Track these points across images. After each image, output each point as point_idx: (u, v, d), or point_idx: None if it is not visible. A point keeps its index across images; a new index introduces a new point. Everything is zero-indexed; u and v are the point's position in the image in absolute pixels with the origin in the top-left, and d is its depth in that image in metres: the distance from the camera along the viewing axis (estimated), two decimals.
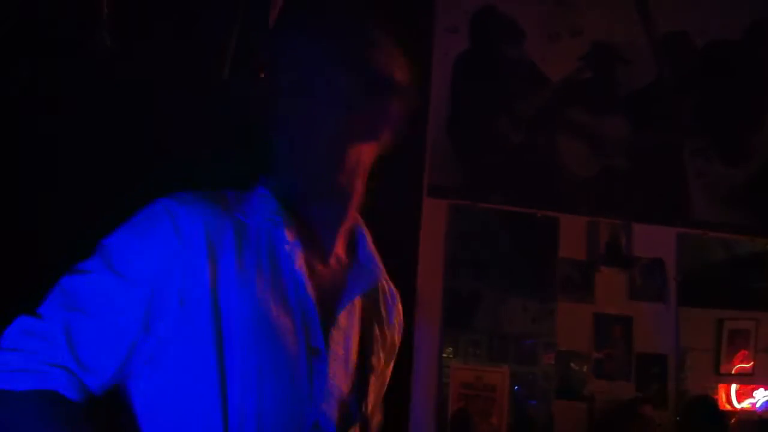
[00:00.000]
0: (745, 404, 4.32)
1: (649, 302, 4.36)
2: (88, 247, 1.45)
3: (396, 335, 1.71)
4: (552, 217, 4.27)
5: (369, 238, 1.65)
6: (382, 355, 1.65)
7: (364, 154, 1.56)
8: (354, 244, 1.63)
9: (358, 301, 1.61)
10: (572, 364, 4.22)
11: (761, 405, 4.32)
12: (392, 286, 1.72)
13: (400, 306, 1.72)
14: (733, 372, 4.38)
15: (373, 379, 1.60)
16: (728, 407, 4.30)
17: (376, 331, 1.64)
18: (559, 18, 4.36)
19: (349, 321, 1.58)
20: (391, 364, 1.72)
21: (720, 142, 4.55)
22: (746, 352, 4.39)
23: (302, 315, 1.49)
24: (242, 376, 1.42)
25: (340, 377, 1.53)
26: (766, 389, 4.34)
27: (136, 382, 1.43)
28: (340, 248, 1.60)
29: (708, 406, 4.15)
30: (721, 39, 4.57)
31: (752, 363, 4.38)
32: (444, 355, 4.07)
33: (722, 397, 4.32)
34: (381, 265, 1.64)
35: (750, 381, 4.36)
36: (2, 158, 2.11)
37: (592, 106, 4.41)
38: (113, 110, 2.32)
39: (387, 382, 1.70)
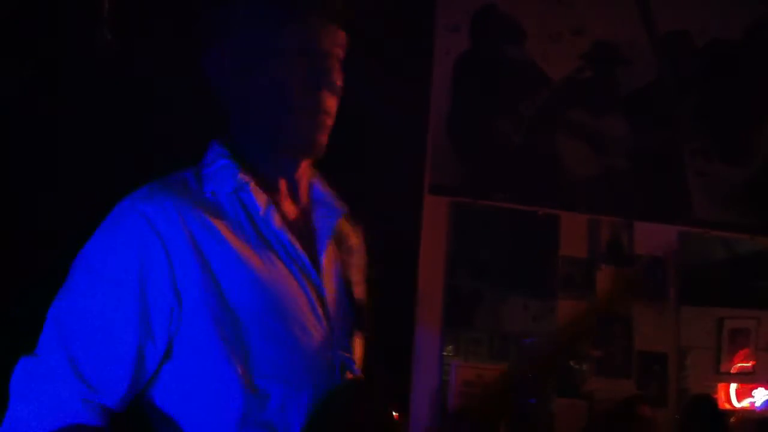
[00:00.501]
0: (745, 403, 4.32)
1: (650, 300, 4.36)
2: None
3: (364, 258, 1.73)
4: (553, 215, 4.27)
5: (322, 180, 1.66)
6: (359, 280, 1.67)
7: (317, 104, 1.53)
8: (310, 189, 1.65)
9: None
10: (572, 362, 4.22)
11: (761, 404, 4.32)
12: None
13: (360, 231, 1.73)
14: (733, 371, 4.38)
15: (361, 303, 1.63)
16: (728, 406, 4.30)
17: (350, 260, 1.66)
18: (560, 17, 4.36)
19: (329, 260, 1.60)
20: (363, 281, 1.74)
21: (720, 141, 4.55)
22: (747, 350, 4.39)
23: (299, 271, 1.51)
24: (263, 350, 1.42)
25: (339, 316, 1.56)
26: (765, 388, 4.34)
27: (157, 382, 1.42)
28: (304, 195, 1.62)
29: (708, 405, 4.15)
30: (722, 38, 4.56)
31: (753, 362, 4.38)
32: (444, 353, 4.07)
33: (722, 396, 4.32)
34: (339, 200, 1.66)
35: (750, 380, 4.36)
36: (3, 158, 2.11)
37: (592, 105, 4.41)
38: (114, 107, 2.33)
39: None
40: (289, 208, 1.56)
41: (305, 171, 1.60)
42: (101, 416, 1.35)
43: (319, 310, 1.52)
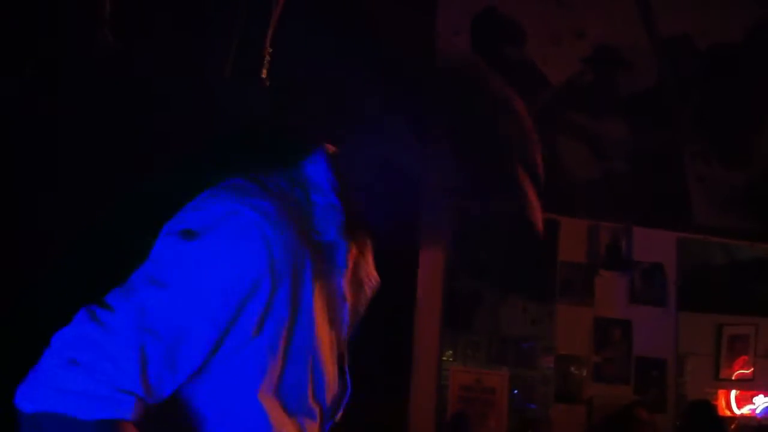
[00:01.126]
0: (745, 410, 4.31)
1: (648, 306, 4.36)
2: (89, 245, 1.43)
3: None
4: (553, 220, 4.26)
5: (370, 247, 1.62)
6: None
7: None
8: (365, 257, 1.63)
9: None
10: (571, 368, 4.22)
11: (761, 411, 4.31)
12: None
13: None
14: (733, 378, 4.37)
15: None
16: (728, 413, 4.29)
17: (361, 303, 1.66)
18: (561, 20, 4.36)
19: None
20: None
21: (720, 144, 4.54)
22: (746, 357, 4.39)
23: (337, 336, 1.50)
24: (294, 392, 1.42)
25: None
26: (766, 395, 4.33)
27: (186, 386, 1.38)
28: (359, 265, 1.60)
29: (707, 411, 4.15)
30: (723, 41, 4.56)
31: (752, 369, 4.38)
32: (444, 358, 4.05)
33: (722, 402, 4.32)
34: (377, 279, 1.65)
35: (750, 387, 4.36)
36: (3, 157, 2.10)
37: (593, 109, 4.41)
38: (114, 108, 2.31)
39: None
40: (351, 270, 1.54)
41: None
42: (141, 414, 1.28)
43: (337, 371, 1.53)
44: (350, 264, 1.48)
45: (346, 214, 1.43)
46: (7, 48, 2.17)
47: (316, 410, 1.48)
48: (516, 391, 4.13)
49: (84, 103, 2.25)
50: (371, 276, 1.60)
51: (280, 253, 1.32)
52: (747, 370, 4.37)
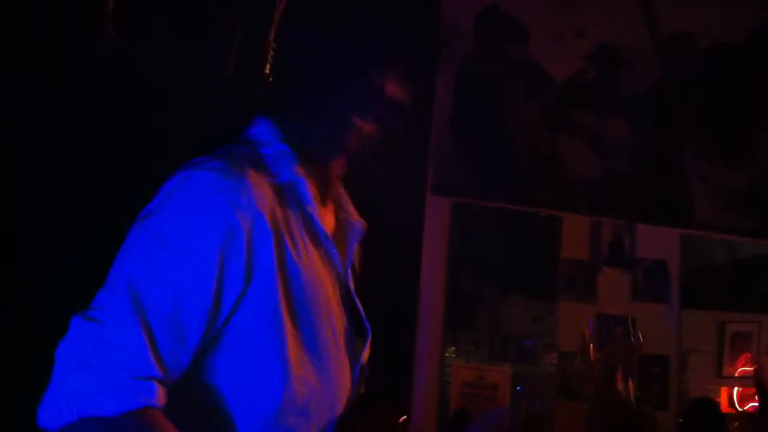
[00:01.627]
0: (748, 408, 4.31)
1: (651, 303, 4.36)
2: (91, 246, 1.43)
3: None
4: (555, 217, 4.26)
5: (345, 192, 1.67)
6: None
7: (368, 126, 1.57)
8: (337, 193, 1.67)
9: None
10: (574, 365, 4.22)
11: None
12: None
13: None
14: (735, 375, 4.37)
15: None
16: (731, 410, 4.29)
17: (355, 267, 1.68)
18: (564, 19, 4.36)
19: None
20: None
21: (723, 144, 4.54)
22: (749, 354, 4.38)
23: (334, 272, 1.52)
24: (306, 345, 1.42)
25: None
26: None
27: (204, 359, 1.38)
28: (333, 194, 1.64)
29: (709, 408, 4.14)
30: (725, 41, 4.55)
31: (755, 366, 4.37)
32: (446, 354, 4.06)
33: (724, 400, 4.31)
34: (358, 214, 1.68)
35: (752, 384, 4.35)
36: (4, 157, 2.11)
37: (595, 107, 4.41)
38: (115, 107, 2.32)
39: None
40: (321, 208, 1.57)
41: (337, 174, 1.61)
42: (166, 396, 1.26)
43: (349, 314, 1.54)
44: (319, 204, 1.53)
45: (303, 160, 1.48)
46: (8, 47, 2.18)
47: (336, 363, 1.49)
48: (519, 388, 4.14)
49: (85, 102, 2.26)
50: (355, 219, 1.64)
51: (241, 197, 1.36)
52: (749, 367, 4.37)
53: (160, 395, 1.25)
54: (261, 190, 1.40)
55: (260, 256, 1.38)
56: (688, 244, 4.45)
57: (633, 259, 4.35)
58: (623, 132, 4.43)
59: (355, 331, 1.57)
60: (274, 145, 1.50)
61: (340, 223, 1.62)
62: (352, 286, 1.58)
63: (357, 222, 1.64)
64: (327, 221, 1.57)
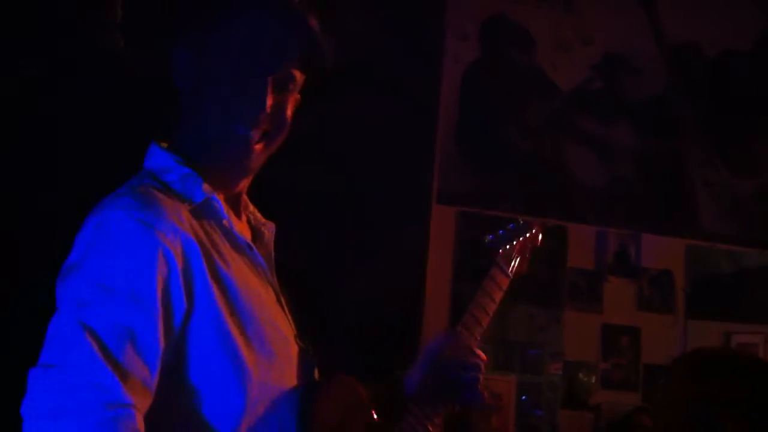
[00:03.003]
0: None
1: (657, 313, 4.35)
2: None
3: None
4: (560, 226, 4.25)
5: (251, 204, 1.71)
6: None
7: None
8: (247, 209, 1.70)
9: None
10: (579, 374, 4.21)
11: None
12: None
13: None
14: None
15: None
16: None
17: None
18: (570, 27, 4.36)
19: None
20: None
21: (729, 152, 4.54)
22: None
23: (264, 276, 1.57)
24: (256, 350, 1.46)
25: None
26: None
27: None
28: (242, 205, 1.66)
29: None
30: (731, 49, 4.55)
31: None
32: None
33: None
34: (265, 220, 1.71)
35: None
36: (9, 157, 2.11)
37: (601, 115, 4.40)
38: (123, 110, 2.32)
39: None
40: (236, 223, 1.60)
41: (244, 186, 1.64)
42: (142, 421, 1.30)
43: (286, 312, 1.61)
44: (234, 217, 1.55)
45: (207, 175, 1.51)
46: (16, 50, 2.18)
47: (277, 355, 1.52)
48: (524, 397, 4.12)
49: (90, 105, 2.26)
50: (265, 222, 1.69)
51: (161, 223, 1.37)
52: None
53: (139, 421, 1.28)
54: (177, 214, 1.41)
55: (196, 275, 1.40)
56: (693, 254, 4.44)
57: (638, 269, 4.34)
58: (629, 140, 4.42)
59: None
60: (177, 170, 1.51)
61: (256, 231, 1.66)
62: (277, 287, 1.63)
63: (269, 224, 1.70)
64: (244, 232, 1.61)
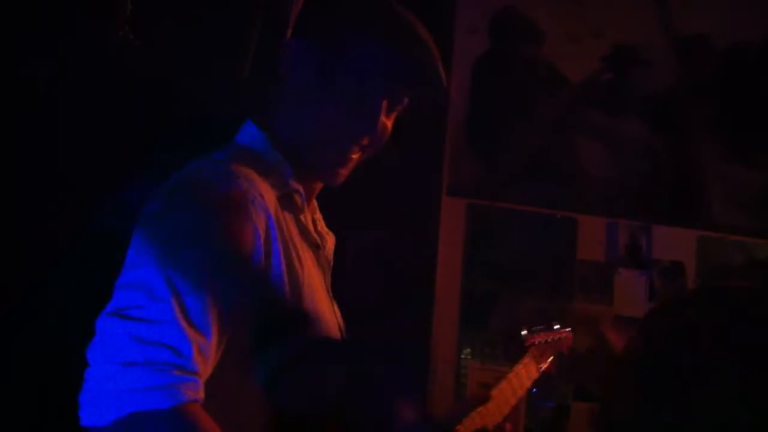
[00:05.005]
0: None
1: None
2: (88, 246, 1.44)
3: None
4: (571, 218, 4.25)
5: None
6: None
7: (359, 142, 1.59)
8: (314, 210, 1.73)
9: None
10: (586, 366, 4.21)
11: None
12: None
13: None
14: None
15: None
16: None
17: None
18: (579, 19, 4.35)
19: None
20: None
21: (740, 144, 4.52)
22: None
23: (325, 281, 1.61)
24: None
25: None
26: None
27: None
28: (311, 208, 1.68)
29: None
30: (743, 41, 4.53)
31: None
32: (462, 356, 4.06)
33: None
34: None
35: None
36: (17, 156, 2.12)
37: (611, 108, 4.40)
38: (132, 107, 2.33)
39: None
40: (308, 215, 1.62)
41: (317, 191, 1.66)
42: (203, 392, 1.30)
43: (339, 321, 1.64)
44: (308, 213, 1.58)
45: (295, 169, 1.55)
46: (23, 45, 2.19)
47: None
48: (535, 389, 4.12)
49: (97, 101, 2.27)
50: (328, 232, 1.72)
51: (254, 195, 1.38)
52: None
53: (201, 391, 1.28)
54: (266, 193, 1.42)
55: (273, 254, 1.40)
56: (705, 246, 4.43)
57: (649, 261, 4.33)
58: (639, 132, 4.41)
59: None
60: (272, 154, 1.52)
61: (320, 237, 1.68)
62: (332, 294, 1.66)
63: (331, 235, 1.72)
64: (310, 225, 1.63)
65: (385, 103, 1.52)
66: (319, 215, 1.72)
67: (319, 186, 1.65)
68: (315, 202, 1.70)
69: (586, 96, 4.36)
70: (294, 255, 1.47)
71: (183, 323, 1.27)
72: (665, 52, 4.44)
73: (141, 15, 2.40)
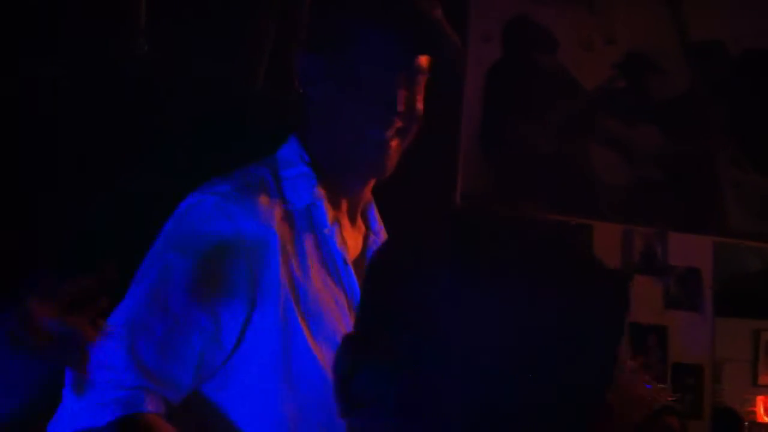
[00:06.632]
0: None
1: (684, 311, 4.32)
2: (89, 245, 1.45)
3: None
4: (586, 225, 4.24)
5: (376, 209, 1.68)
6: None
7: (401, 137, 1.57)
8: (366, 214, 1.66)
9: None
10: None
11: None
12: None
13: None
14: None
15: None
16: (766, 420, 4.23)
17: None
18: (593, 26, 4.35)
19: None
20: None
21: (755, 150, 4.50)
22: None
23: (346, 296, 1.53)
24: (308, 372, 1.44)
25: None
26: None
27: (209, 384, 1.44)
28: (359, 215, 1.63)
29: (731, 419, 4.09)
30: (757, 47, 4.52)
31: None
32: None
33: (760, 410, 4.25)
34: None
35: None
36: (31, 161, 2.14)
37: (625, 115, 4.39)
38: (145, 118, 2.35)
39: None
40: (347, 229, 1.57)
41: (367, 192, 1.62)
42: (161, 406, 1.34)
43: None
44: (345, 225, 1.53)
45: (327, 179, 1.49)
46: (38, 53, 2.21)
47: None
48: None
49: (114, 110, 2.28)
50: (380, 232, 1.64)
51: (246, 221, 1.38)
52: None
53: (152, 402, 1.31)
54: (269, 214, 1.41)
55: (265, 280, 1.39)
56: (721, 252, 4.41)
57: (665, 268, 4.31)
58: (654, 139, 4.40)
59: None
60: (296, 167, 1.52)
61: (368, 244, 1.63)
62: None
63: (382, 233, 1.65)
64: (353, 242, 1.59)
65: (402, 77, 1.49)
66: (379, 226, 1.66)
67: (369, 186, 1.61)
68: (375, 213, 1.65)
69: (600, 103, 4.35)
70: (298, 272, 1.45)
71: (127, 341, 1.33)
72: (679, 59, 4.43)
73: (156, 27, 2.42)
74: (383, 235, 1.65)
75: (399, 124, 1.52)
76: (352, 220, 1.61)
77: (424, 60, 1.54)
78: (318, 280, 1.49)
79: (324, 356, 1.44)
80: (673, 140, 4.42)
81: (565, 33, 4.31)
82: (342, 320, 1.51)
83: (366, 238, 1.64)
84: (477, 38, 4.20)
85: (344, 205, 1.58)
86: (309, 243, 1.50)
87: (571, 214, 4.23)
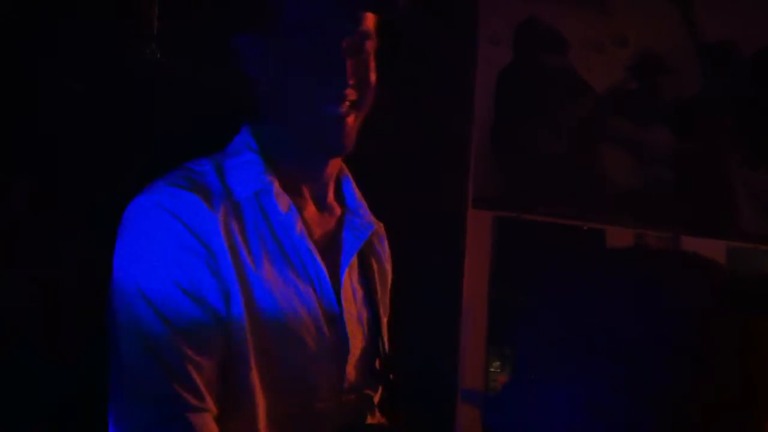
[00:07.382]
0: None
1: None
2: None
3: (389, 265, 1.69)
4: (598, 229, 4.21)
5: (354, 184, 1.62)
6: (384, 290, 1.64)
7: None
8: (341, 192, 1.61)
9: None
10: None
11: None
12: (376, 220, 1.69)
13: (385, 238, 1.70)
14: None
15: (384, 322, 1.59)
16: None
17: (376, 272, 1.61)
18: (604, 28, 4.33)
19: (351, 274, 1.55)
20: (388, 292, 1.70)
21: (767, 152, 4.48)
22: None
23: (311, 285, 1.48)
24: (269, 360, 1.41)
25: (356, 334, 1.52)
26: None
27: None
28: (330, 196, 1.58)
29: None
30: None
31: None
32: (491, 369, 4.03)
33: None
34: (368, 210, 1.62)
35: None
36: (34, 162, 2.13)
37: (637, 117, 4.37)
38: (156, 124, 2.34)
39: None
40: (313, 215, 1.52)
41: (333, 172, 1.56)
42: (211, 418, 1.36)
43: (325, 329, 1.48)
44: (308, 210, 1.49)
45: (281, 164, 1.46)
46: (59, 64, 2.21)
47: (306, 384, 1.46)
48: None
49: (126, 113, 2.28)
50: (366, 222, 1.59)
51: (192, 216, 1.36)
52: None
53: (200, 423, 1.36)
54: (212, 208, 1.38)
55: (228, 277, 1.37)
56: (734, 256, 4.37)
57: None
58: (666, 141, 4.38)
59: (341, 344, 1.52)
60: (241, 155, 1.47)
61: (343, 224, 1.55)
62: (342, 296, 1.52)
63: (366, 225, 1.59)
64: (320, 228, 1.53)
65: (346, 45, 1.43)
66: (358, 202, 1.61)
67: (331, 168, 1.55)
68: (352, 189, 1.60)
69: (612, 105, 4.33)
70: (251, 265, 1.42)
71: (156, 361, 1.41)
72: (691, 60, 4.41)
73: (168, 33, 2.41)
74: (363, 212, 1.60)
75: (352, 96, 1.45)
76: (320, 205, 1.55)
77: (368, 22, 1.47)
78: (273, 271, 1.44)
79: (280, 346, 1.43)
80: (685, 142, 4.40)
81: (575, 35, 4.30)
82: (305, 310, 1.45)
83: (340, 219, 1.59)
84: (487, 41, 4.18)
85: (305, 190, 1.53)
86: (262, 232, 1.45)
87: (583, 218, 4.21)
